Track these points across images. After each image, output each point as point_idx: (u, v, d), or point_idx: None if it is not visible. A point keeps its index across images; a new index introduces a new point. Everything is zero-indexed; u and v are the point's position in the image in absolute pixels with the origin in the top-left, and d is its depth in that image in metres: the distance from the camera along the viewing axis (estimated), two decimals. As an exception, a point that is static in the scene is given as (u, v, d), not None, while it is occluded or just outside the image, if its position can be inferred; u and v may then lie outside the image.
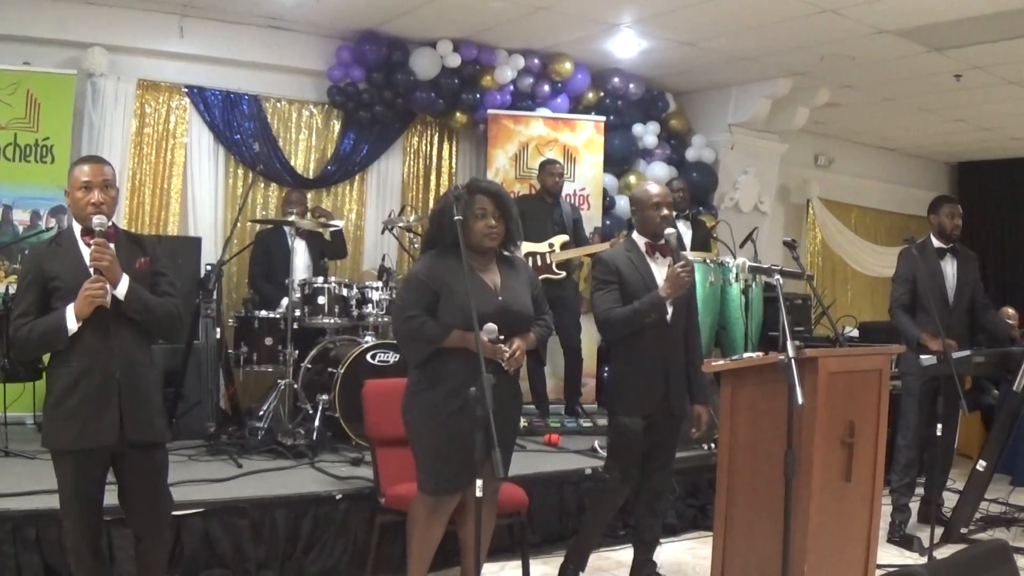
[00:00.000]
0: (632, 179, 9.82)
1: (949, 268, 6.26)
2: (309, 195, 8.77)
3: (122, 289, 3.73)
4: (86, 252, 3.76)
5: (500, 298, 4.22)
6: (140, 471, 3.84)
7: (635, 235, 4.90)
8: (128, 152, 7.95)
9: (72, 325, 3.65)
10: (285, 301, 6.92)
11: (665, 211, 4.77)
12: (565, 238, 7.91)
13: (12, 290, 6.50)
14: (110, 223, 3.84)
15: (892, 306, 6.28)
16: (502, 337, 4.12)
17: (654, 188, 4.89)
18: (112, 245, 3.80)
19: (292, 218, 7.14)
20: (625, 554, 5.43)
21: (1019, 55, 8.38)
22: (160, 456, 3.93)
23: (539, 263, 7.70)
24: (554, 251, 7.84)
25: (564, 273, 7.90)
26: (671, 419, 4.82)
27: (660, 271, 4.78)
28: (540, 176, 8.18)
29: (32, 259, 3.90)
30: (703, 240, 8.63)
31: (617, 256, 4.83)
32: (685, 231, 8.34)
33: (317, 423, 6.58)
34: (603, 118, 9.54)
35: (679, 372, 4.81)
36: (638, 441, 4.71)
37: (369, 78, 8.82)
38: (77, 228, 3.86)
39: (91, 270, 3.68)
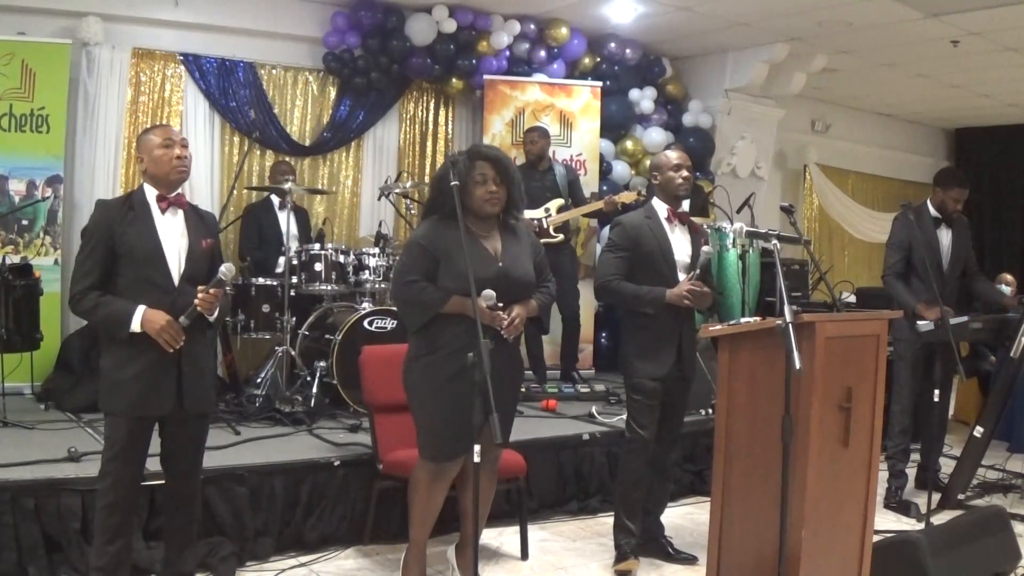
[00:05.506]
0: (629, 144, 9.81)
1: (945, 237, 6.24)
2: (305, 162, 8.81)
3: (212, 316, 3.86)
4: (160, 221, 3.83)
5: (500, 264, 4.21)
6: (190, 438, 3.98)
7: (655, 201, 4.91)
8: (124, 121, 7.87)
9: (136, 328, 3.68)
10: (282, 260, 6.89)
11: (686, 173, 4.83)
12: (560, 201, 7.91)
13: (10, 260, 6.51)
14: (184, 197, 3.96)
15: (886, 273, 6.24)
16: (501, 304, 4.12)
17: (673, 152, 4.96)
18: (180, 212, 3.90)
19: (287, 185, 7.09)
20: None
21: (1016, 21, 8.33)
22: (207, 425, 4.09)
23: (536, 229, 7.69)
24: (550, 215, 7.83)
25: (562, 236, 7.89)
26: (682, 381, 4.90)
27: (677, 240, 4.84)
28: (523, 148, 8.21)
29: (102, 220, 3.81)
30: (700, 206, 8.62)
31: (636, 222, 4.84)
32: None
33: (315, 390, 6.60)
34: (599, 83, 9.50)
35: (690, 337, 4.88)
36: (656, 398, 4.76)
37: (365, 44, 8.78)
38: (151, 193, 3.86)
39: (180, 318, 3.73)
